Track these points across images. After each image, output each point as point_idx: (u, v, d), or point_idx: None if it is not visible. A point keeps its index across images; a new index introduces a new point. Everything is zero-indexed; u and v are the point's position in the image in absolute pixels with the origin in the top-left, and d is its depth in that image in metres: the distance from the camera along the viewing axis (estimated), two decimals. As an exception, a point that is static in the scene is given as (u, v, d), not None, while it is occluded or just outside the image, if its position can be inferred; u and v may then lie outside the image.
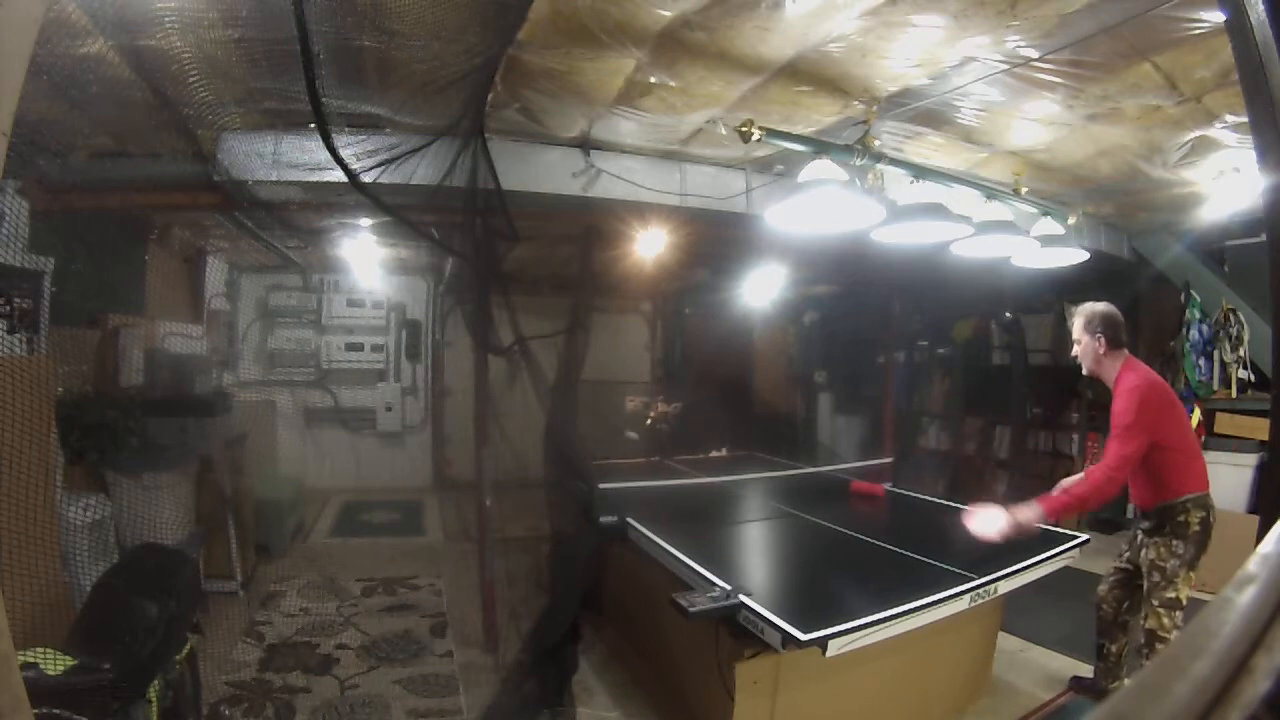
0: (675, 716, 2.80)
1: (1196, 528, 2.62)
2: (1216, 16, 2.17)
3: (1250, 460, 4.47)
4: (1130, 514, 5.83)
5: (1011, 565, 2.60)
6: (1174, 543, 2.64)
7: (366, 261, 6.10)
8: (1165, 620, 2.61)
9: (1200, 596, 2.80)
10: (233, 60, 2.45)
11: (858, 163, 2.87)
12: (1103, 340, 2.73)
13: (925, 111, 3.10)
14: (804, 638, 1.96)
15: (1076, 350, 2.84)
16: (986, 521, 2.64)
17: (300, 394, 6.86)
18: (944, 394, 6.98)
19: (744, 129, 2.62)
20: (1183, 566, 2.62)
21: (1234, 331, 4.86)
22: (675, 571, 2.69)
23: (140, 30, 2.17)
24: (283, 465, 6.15)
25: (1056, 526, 3.04)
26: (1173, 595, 2.62)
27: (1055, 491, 2.76)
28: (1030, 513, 2.60)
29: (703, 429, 6.14)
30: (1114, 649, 2.94)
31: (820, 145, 2.85)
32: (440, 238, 4.19)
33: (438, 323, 7.42)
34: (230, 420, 4.73)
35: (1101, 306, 2.77)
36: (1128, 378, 2.67)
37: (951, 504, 4.09)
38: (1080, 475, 2.88)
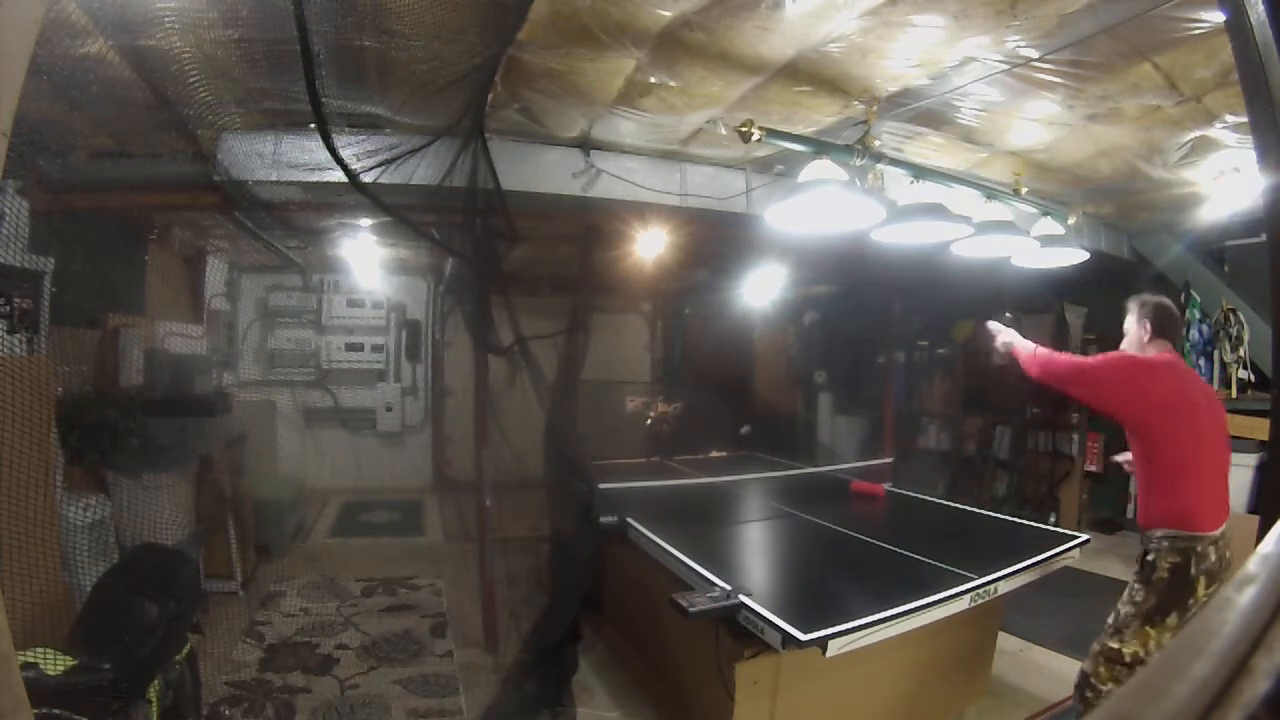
0: (675, 716, 2.80)
1: (1164, 575, 2.23)
2: (1216, 16, 2.17)
3: (1250, 460, 4.47)
4: (1130, 513, 5.85)
5: (1011, 565, 2.60)
6: (1135, 586, 2.31)
7: (366, 261, 6.10)
8: (1101, 670, 2.30)
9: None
10: (233, 60, 2.45)
11: (858, 163, 2.86)
12: (1148, 326, 2.52)
13: (925, 111, 3.11)
14: (804, 638, 1.96)
15: (1125, 343, 2.63)
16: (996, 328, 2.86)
17: (300, 394, 6.86)
18: (944, 394, 6.98)
19: (744, 129, 2.61)
20: (1136, 618, 2.26)
21: (1234, 331, 4.86)
22: (675, 571, 2.69)
23: (140, 30, 2.17)
24: (283, 465, 6.15)
25: (1056, 527, 3.04)
26: (1115, 646, 2.27)
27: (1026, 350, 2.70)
28: (1011, 337, 2.80)
29: (703, 429, 6.13)
30: None
31: (820, 145, 2.85)
32: (440, 238, 4.19)
33: (438, 323, 7.41)
34: (230, 420, 4.73)
35: (1154, 297, 2.62)
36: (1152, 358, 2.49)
37: (951, 504, 4.11)
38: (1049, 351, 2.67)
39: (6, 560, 2.40)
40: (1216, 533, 2.28)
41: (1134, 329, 2.60)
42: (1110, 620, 2.37)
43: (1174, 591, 2.23)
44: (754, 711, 2.30)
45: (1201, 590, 2.23)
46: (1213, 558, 2.25)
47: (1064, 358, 2.59)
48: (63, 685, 1.87)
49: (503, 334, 3.68)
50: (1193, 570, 2.23)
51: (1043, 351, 2.63)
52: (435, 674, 3.33)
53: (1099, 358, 2.57)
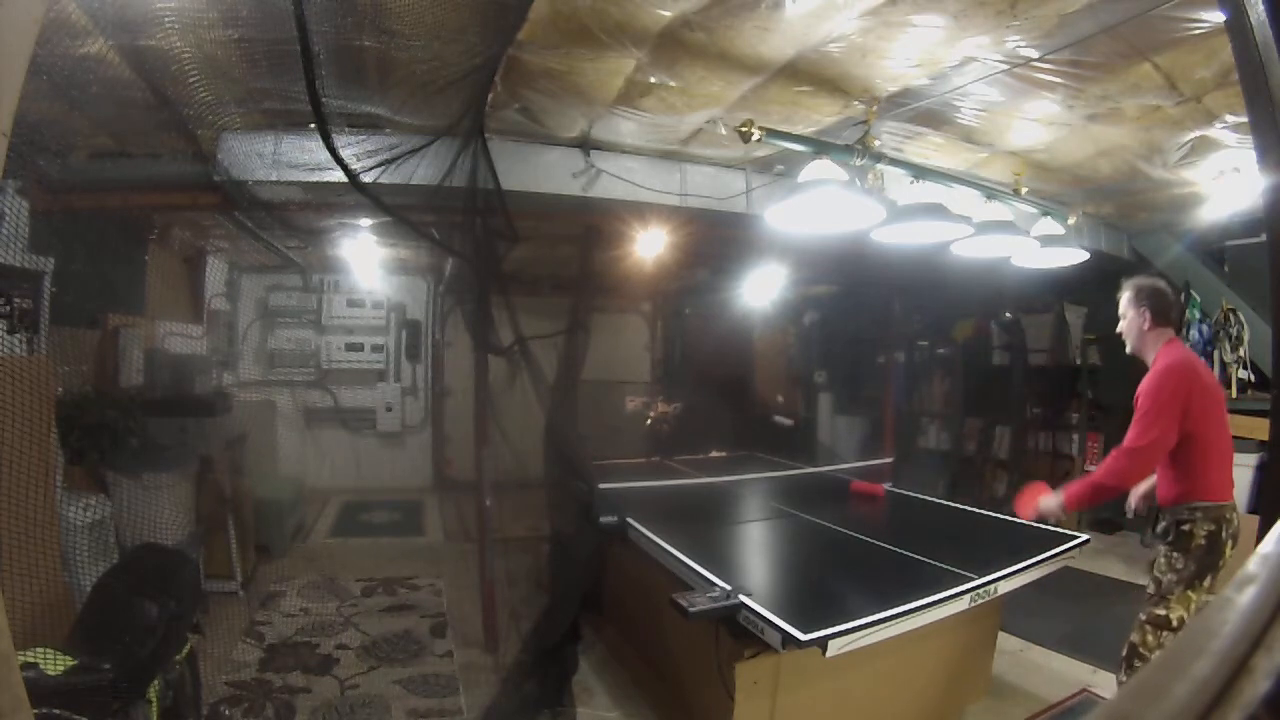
0: (675, 716, 2.80)
1: (1201, 541, 2.36)
2: (1216, 16, 2.17)
3: (1250, 460, 4.46)
4: (1130, 514, 5.83)
5: (1011, 565, 2.60)
6: (1174, 555, 2.42)
7: (366, 261, 6.10)
8: (1149, 638, 2.42)
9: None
10: (233, 60, 2.45)
11: (858, 163, 2.86)
12: (1147, 315, 2.52)
13: (925, 111, 3.11)
14: (804, 638, 1.96)
15: (1121, 326, 2.62)
16: (1025, 503, 2.74)
17: (300, 394, 6.86)
18: (944, 394, 6.98)
19: (744, 129, 2.61)
20: (1180, 584, 2.38)
21: (1234, 331, 4.86)
22: (675, 571, 2.69)
23: (140, 30, 2.17)
24: (283, 465, 6.15)
25: (1057, 527, 3.04)
26: (1162, 613, 2.40)
27: (1075, 483, 2.64)
28: (1053, 502, 2.64)
29: (703, 429, 6.13)
30: None
31: (820, 145, 2.85)
32: (440, 238, 4.19)
33: (438, 323, 7.41)
34: (230, 420, 4.73)
35: (1149, 280, 2.60)
36: (1163, 357, 2.48)
37: (951, 504, 4.11)
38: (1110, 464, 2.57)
39: (6, 560, 2.40)
40: (1233, 500, 2.44)
41: (1132, 316, 2.58)
42: (1152, 590, 2.47)
43: (1210, 556, 2.37)
44: (754, 711, 2.30)
45: (1228, 552, 2.38)
46: (1236, 522, 2.41)
47: (1124, 455, 2.46)
48: (63, 685, 1.87)
49: (503, 334, 3.68)
50: (1224, 535, 2.37)
51: (1111, 456, 2.50)
52: (435, 674, 3.32)
53: (1144, 417, 2.43)
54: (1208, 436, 2.42)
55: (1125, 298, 2.62)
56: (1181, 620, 2.38)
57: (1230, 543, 2.39)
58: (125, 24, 2.12)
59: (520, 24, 2.28)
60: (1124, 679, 2.55)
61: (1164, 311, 2.55)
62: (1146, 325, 2.54)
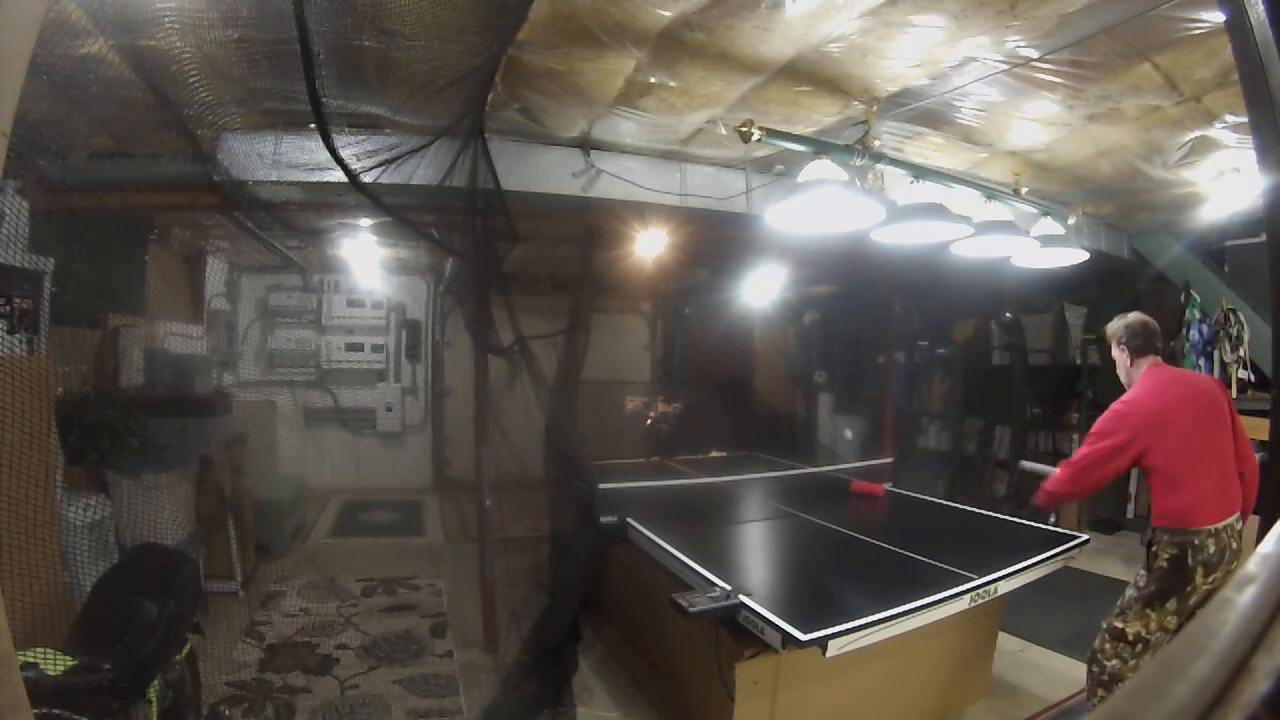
0: (675, 716, 2.80)
1: (1163, 565, 2.40)
2: (1216, 16, 2.17)
3: (1250, 460, 4.46)
4: (1130, 514, 5.85)
5: (1011, 565, 2.60)
6: (1141, 572, 2.50)
7: (366, 261, 6.11)
8: (1107, 646, 2.49)
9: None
10: (233, 60, 2.45)
11: (858, 163, 2.86)
12: (1128, 352, 2.64)
13: (925, 111, 3.10)
14: (804, 638, 1.96)
15: (1119, 370, 2.71)
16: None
17: (300, 394, 6.86)
18: (944, 394, 6.98)
19: (744, 129, 2.61)
20: (1138, 601, 2.45)
21: (1234, 331, 4.86)
22: (675, 571, 2.69)
23: (140, 30, 2.17)
24: (283, 465, 6.15)
25: (1057, 527, 3.05)
26: (1119, 625, 2.46)
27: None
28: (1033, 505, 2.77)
29: (703, 429, 6.14)
30: None
31: (820, 145, 2.85)
32: (440, 238, 4.19)
33: (438, 323, 7.42)
34: (230, 420, 4.73)
35: (1126, 318, 2.67)
36: (1134, 387, 2.57)
37: (951, 504, 4.11)
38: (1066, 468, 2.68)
39: (6, 560, 2.40)
40: (1216, 525, 2.37)
41: (1120, 359, 2.69)
42: (1118, 601, 2.53)
43: (1171, 580, 2.39)
44: (754, 711, 2.30)
45: (1199, 579, 2.37)
46: (1211, 549, 2.35)
47: (1063, 465, 2.61)
48: (63, 685, 1.87)
49: (503, 334, 3.68)
50: (1189, 561, 2.36)
51: (1060, 474, 2.61)
52: (435, 674, 3.33)
53: (1091, 436, 2.54)
54: (1181, 460, 2.42)
55: (1113, 348, 2.72)
56: (1138, 635, 2.42)
57: (1200, 570, 2.35)
58: (125, 24, 2.12)
59: (520, 24, 2.27)
60: (1089, 680, 2.61)
61: (1144, 344, 2.63)
62: (1130, 362, 2.65)
